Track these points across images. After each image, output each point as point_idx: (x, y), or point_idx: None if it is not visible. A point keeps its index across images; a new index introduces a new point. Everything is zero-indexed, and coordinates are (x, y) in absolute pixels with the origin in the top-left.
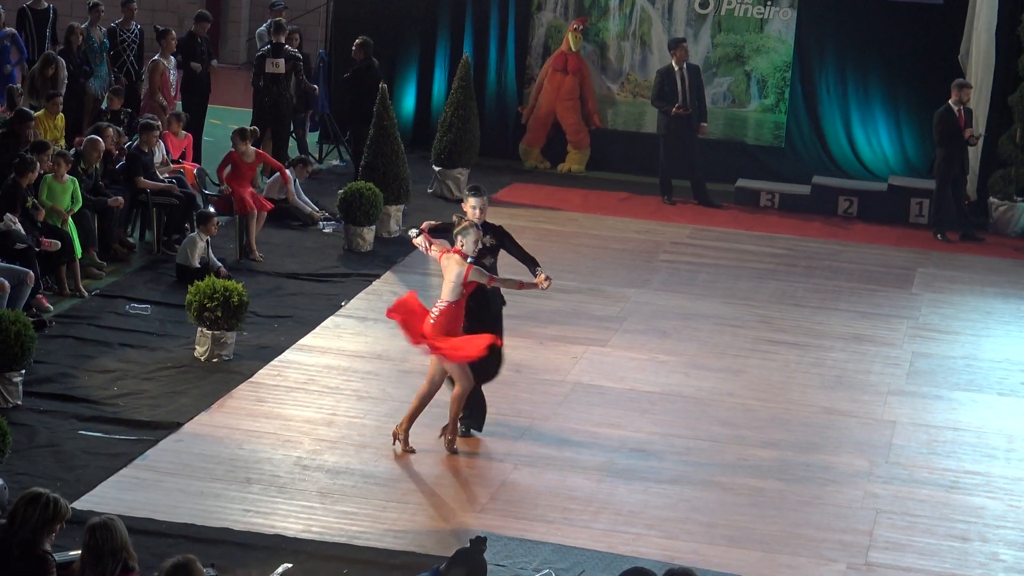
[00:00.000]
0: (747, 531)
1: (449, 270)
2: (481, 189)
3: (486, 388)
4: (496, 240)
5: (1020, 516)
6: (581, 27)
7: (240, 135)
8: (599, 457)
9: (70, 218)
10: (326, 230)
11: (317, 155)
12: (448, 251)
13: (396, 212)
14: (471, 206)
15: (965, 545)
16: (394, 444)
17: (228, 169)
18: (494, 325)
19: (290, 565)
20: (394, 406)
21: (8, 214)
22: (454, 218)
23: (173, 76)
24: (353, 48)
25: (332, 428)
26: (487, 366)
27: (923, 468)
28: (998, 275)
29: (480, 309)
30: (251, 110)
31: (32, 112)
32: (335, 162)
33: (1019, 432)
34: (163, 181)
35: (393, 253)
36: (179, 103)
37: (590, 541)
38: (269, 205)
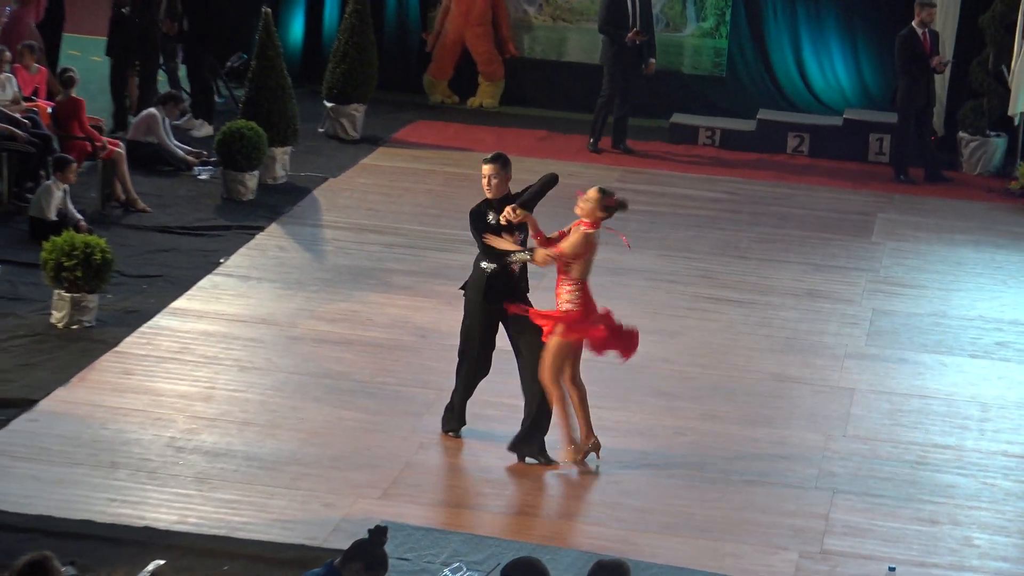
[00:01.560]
0: (686, 517)
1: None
2: (499, 157)
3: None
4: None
5: (996, 495)
6: None
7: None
8: (514, 433)
9: None
10: (202, 176)
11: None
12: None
13: (282, 155)
14: (482, 175)
15: (934, 529)
16: (584, 461)
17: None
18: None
19: (162, 562)
20: (281, 378)
21: None
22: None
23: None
24: None
25: (210, 404)
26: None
27: (886, 442)
28: (969, 220)
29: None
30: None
31: None
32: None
33: (994, 400)
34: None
35: (278, 202)
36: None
37: (507, 530)
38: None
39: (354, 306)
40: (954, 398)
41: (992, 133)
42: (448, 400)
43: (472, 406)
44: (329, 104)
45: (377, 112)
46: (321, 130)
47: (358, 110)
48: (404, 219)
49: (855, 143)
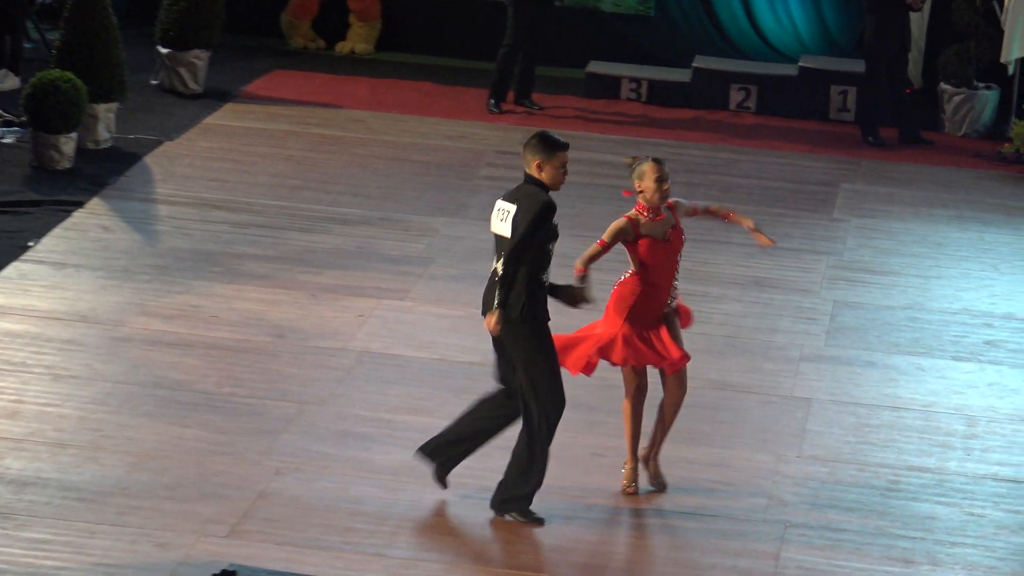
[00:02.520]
0: (605, 557)
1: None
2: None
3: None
4: None
5: (984, 529)
6: None
7: None
8: (397, 455)
9: None
10: (5, 140)
11: None
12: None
13: (106, 113)
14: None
15: (908, 571)
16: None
17: None
18: None
19: None
20: (104, 388)
21: None
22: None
23: None
24: None
25: (16, 421)
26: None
27: (850, 464)
28: (952, 191)
29: None
30: None
31: None
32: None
33: (982, 412)
34: None
35: (101, 172)
36: None
37: (385, 574)
38: None
39: (195, 300)
40: (933, 410)
41: (980, 85)
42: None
43: (342, 422)
44: (164, 50)
45: (224, 60)
46: (154, 82)
47: (200, 58)
48: (258, 192)
49: (813, 98)
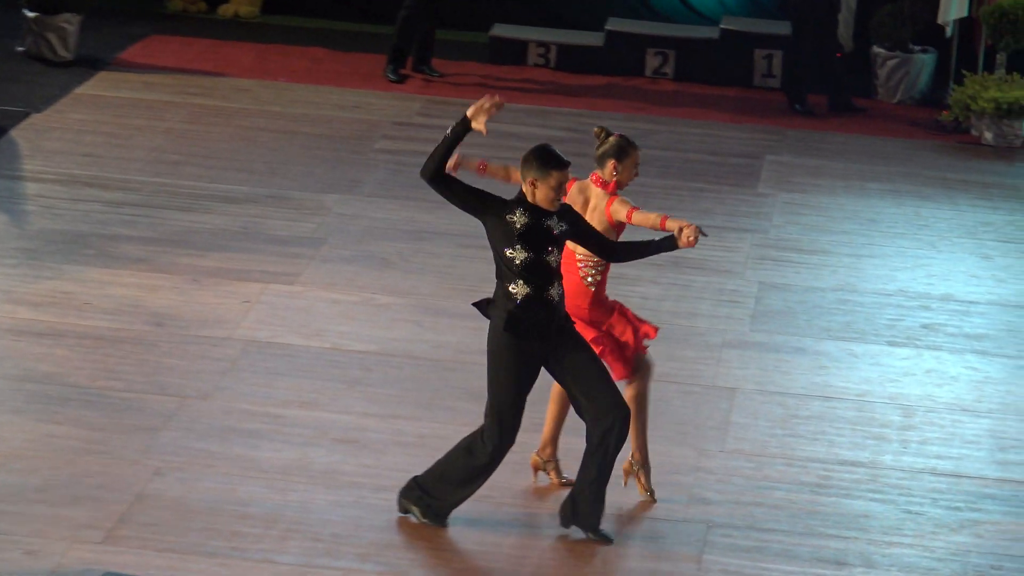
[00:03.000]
0: (514, 561)
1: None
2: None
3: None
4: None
5: (922, 527)
6: None
7: None
8: (286, 453)
9: None
10: None
11: None
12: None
13: None
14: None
15: (840, 574)
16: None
17: None
18: None
19: None
20: None
21: None
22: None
23: None
24: None
25: None
26: None
27: (777, 458)
28: (886, 163)
29: None
30: None
31: None
32: None
33: (919, 401)
34: None
35: None
36: None
37: None
38: None
39: (66, 286)
40: (867, 400)
41: (916, 48)
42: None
43: (227, 417)
44: (31, 14)
45: (97, 25)
46: (20, 49)
47: (71, 22)
48: (134, 168)
49: (736, 62)
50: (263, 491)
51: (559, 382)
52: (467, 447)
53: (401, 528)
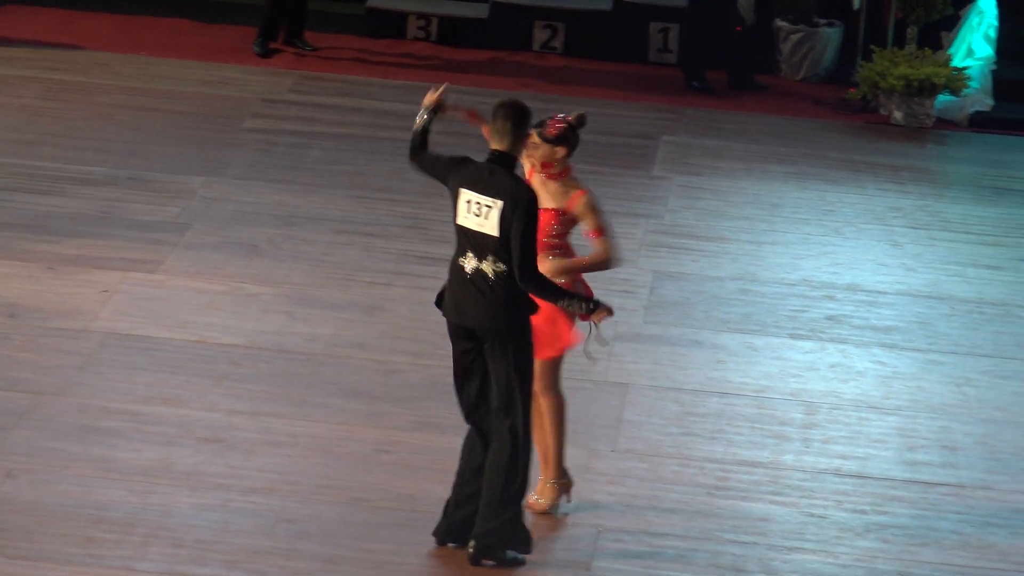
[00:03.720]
0: (391, 568)
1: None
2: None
3: None
4: None
5: (825, 532)
6: None
7: None
8: (147, 453)
9: None
10: None
11: None
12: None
13: None
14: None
15: None
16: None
17: None
18: None
19: None
20: None
21: None
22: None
23: None
24: None
25: None
26: None
27: (671, 458)
28: (789, 144)
29: None
30: None
31: None
32: None
33: (823, 398)
34: None
35: None
36: None
37: None
38: None
39: None
40: (768, 396)
41: (821, 22)
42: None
43: (84, 415)
44: None
45: None
46: None
47: None
48: None
49: (629, 37)
50: (122, 494)
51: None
52: (510, 456)
53: (271, 533)
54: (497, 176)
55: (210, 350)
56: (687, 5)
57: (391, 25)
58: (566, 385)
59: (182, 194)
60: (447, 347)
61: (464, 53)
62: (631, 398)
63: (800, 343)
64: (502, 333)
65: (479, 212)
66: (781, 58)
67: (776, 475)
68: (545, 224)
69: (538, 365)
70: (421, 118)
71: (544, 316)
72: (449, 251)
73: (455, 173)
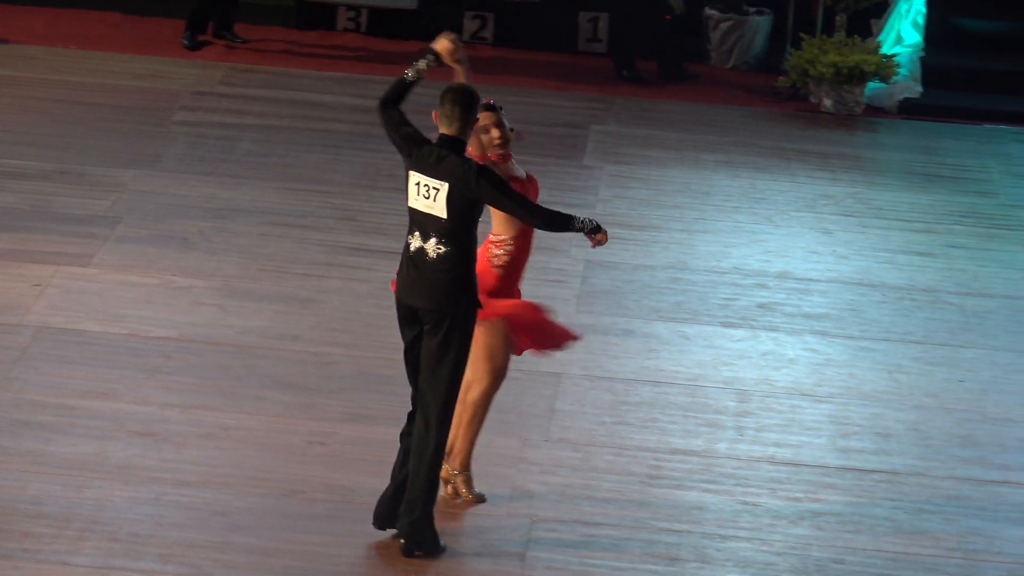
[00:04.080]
0: (325, 560)
1: None
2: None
3: None
4: None
5: (759, 520)
6: None
7: None
8: (82, 447)
9: None
10: None
11: None
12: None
13: None
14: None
15: (673, 569)
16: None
17: None
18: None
19: None
20: None
21: None
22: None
23: None
24: None
25: None
26: None
27: (605, 447)
28: (720, 132)
29: None
30: None
31: None
32: None
33: (755, 386)
34: None
35: None
36: None
37: None
38: None
39: None
40: (700, 384)
41: (751, 10)
42: None
43: (17, 410)
44: None
45: None
46: None
47: None
48: None
49: (559, 27)
50: (57, 488)
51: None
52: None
53: (205, 526)
54: (445, 160)
55: (143, 343)
56: None
57: (321, 17)
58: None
59: (114, 187)
60: (381, 338)
61: (394, 44)
62: (564, 388)
63: (732, 331)
64: (440, 314)
65: (428, 194)
66: (711, 47)
67: (710, 463)
68: None
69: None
70: (415, 68)
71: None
72: (382, 242)
73: (408, 156)
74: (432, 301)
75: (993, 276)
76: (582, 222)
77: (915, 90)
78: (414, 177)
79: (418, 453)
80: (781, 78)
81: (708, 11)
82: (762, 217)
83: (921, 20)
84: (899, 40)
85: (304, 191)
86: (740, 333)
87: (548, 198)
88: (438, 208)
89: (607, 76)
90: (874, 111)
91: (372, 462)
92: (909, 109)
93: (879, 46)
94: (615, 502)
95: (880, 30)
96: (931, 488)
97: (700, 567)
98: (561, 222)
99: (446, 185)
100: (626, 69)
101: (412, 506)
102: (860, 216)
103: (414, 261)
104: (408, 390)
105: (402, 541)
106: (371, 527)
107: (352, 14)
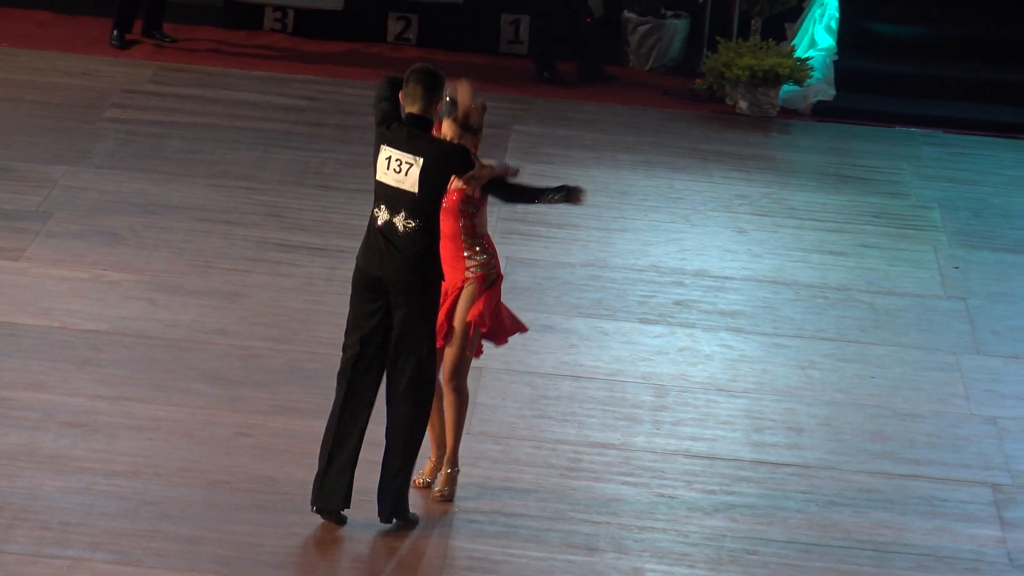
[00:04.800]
0: (251, 549)
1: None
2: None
3: None
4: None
5: (676, 511)
6: None
7: None
8: (12, 438)
9: None
10: None
11: None
12: None
13: None
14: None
15: (592, 559)
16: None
17: None
18: None
19: None
20: None
21: None
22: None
23: None
24: None
25: None
26: None
27: (525, 440)
28: (638, 133)
29: None
30: None
31: None
32: None
33: (672, 381)
34: None
35: None
36: None
37: (5, 571)
38: None
39: None
40: (619, 379)
41: (668, 13)
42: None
43: None
44: None
45: None
46: None
47: None
48: None
49: (481, 28)
50: None
51: None
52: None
53: (134, 516)
54: (416, 138)
55: (73, 336)
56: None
57: (248, 17)
58: None
59: (44, 183)
60: (306, 332)
61: (320, 44)
62: (485, 382)
63: (650, 327)
64: (409, 286)
65: (399, 168)
66: (629, 49)
67: (628, 456)
68: (460, 194)
69: (455, 359)
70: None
71: (496, 306)
72: (307, 238)
73: (387, 128)
74: (404, 272)
75: (903, 275)
76: (557, 194)
77: (828, 93)
78: (385, 151)
79: (411, 425)
80: (698, 80)
81: (627, 14)
82: (679, 216)
83: (834, 24)
84: (813, 44)
85: (231, 188)
86: (657, 329)
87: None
88: (408, 183)
89: (528, 77)
90: (788, 113)
91: (297, 453)
92: (822, 111)
93: (793, 50)
94: (535, 494)
95: (794, 34)
96: (842, 481)
97: (618, 557)
98: (530, 193)
99: (421, 160)
100: (546, 70)
101: (403, 474)
102: (774, 216)
103: (384, 234)
104: (332, 383)
105: (386, 508)
106: (296, 517)
107: (279, 15)
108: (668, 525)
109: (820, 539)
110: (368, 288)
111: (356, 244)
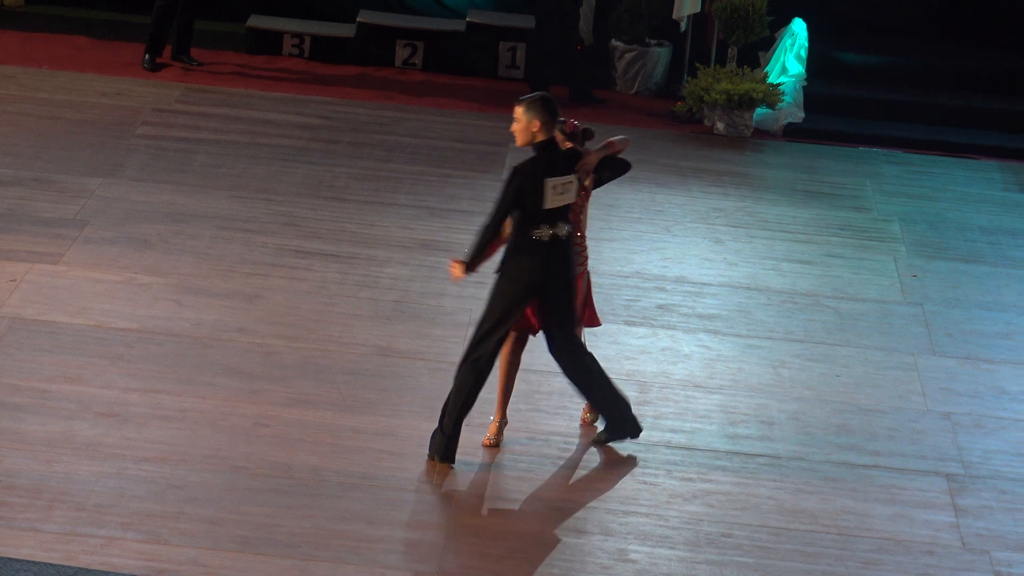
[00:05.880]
0: (268, 530)
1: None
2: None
3: None
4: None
5: (657, 497)
6: None
7: None
8: (51, 426)
9: None
10: None
11: None
12: None
13: None
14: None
15: (580, 541)
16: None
17: None
18: None
19: None
20: None
21: None
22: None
23: None
24: None
25: None
26: None
27: (520, 432)
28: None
29: None
30: None
31: None
32: None
33: (654, 378)
34: None
35: None
36: None
37: (40, 550)
38: None
39: None
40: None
41: (652, 42)
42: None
43: None
44: None
45: None
46: None
47: None
48: None
49: (482, 54)
50: (29, 463)
51: None
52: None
53: (162, 498)
54: (561, 158)
55: (107, 334)
56: (534, 27)
57: (268, 43)
58: (428, 367)
59: (81, 194)
60: (320, 331)
61: (334, 68)
62: None
63: (634, 329)
64: (571, 277)
65: (563, 190)
66: (616, 75)
67: (613, 447)
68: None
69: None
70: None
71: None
72: (320, 245)
73: (537, 180)
74: (569, 271)
75: (866, 282)
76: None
77: (798, 115)
78: (551, 183)
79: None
80: (679, 103)
81: (614, 42)
82: (661, 227)
83: (804, 53)
84: (784, 71)
85: (252, 199)
86: (641, 331)
87: (471, 207)
88: (568, 197)
89: None
90: (761, 134)
91: (310, 442)
92: (793, 132)
93: (766, 76)
94: (529, 481)
95: (767, 62)
96: (810, 471)
97: (604, 539)
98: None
99: (573, 175)
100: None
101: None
102: (748, 227)
103: (554, 246)
104: (342, 378)
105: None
106: (309, 500)
107: (296, 40)
108: (650, 510)
109: (789, 524)
110: (527, 297)
111: (373, 251)
